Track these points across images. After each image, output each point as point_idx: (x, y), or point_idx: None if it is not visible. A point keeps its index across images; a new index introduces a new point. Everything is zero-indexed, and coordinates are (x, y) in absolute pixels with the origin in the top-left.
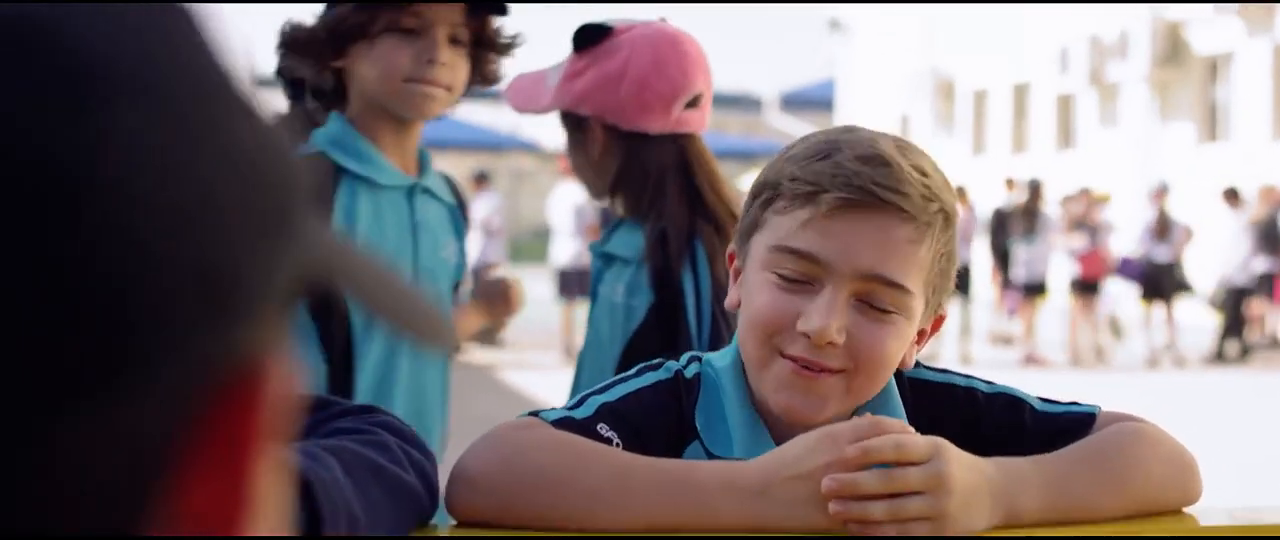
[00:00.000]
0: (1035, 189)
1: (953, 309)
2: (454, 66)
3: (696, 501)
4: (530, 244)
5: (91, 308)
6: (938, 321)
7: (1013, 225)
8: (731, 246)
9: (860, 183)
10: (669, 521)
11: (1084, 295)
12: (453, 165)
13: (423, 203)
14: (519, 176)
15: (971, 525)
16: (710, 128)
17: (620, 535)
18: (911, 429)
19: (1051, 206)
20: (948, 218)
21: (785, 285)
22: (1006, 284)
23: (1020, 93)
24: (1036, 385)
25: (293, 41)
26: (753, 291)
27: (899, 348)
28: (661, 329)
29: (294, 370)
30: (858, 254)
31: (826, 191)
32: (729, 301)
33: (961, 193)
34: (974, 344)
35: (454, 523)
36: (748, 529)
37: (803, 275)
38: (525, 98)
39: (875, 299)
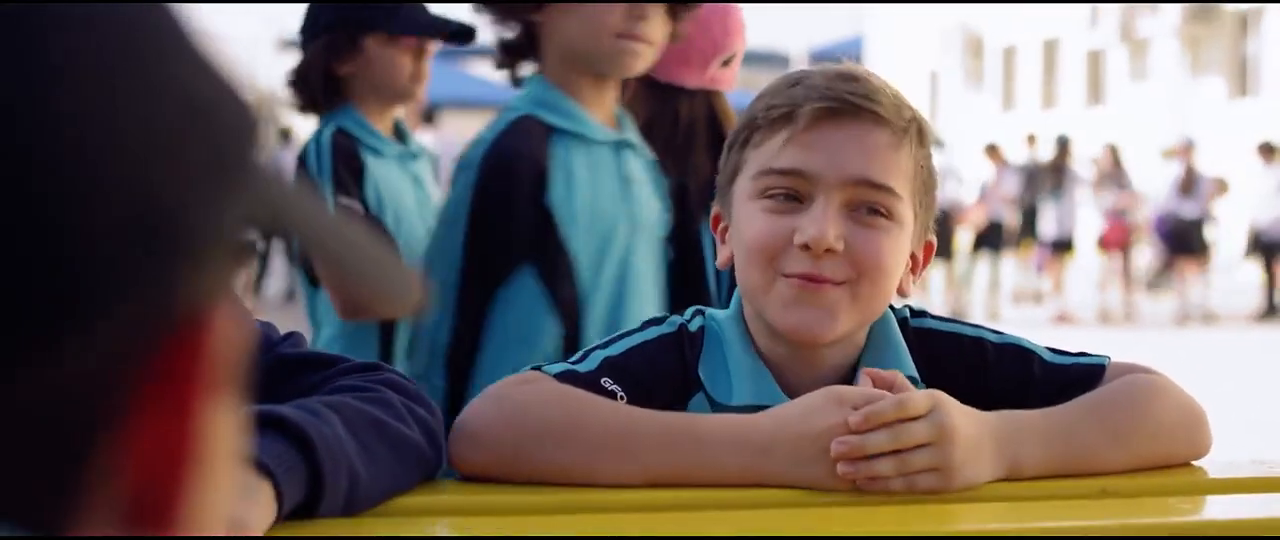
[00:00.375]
0: (1063, 145)
1: (981, 265)
2: (657, 22)
3: (700, 455)
4: None
5: (32, 244)
6: (928, 248)
7: (1041, 182)
8: (714, 207)
9: (834, 93)
10: (673, 475)
11: (1113, 252)
12: (451, 125)
13: (628, 157)
14: None
15: (976, 477)
16: (740, 85)
17: (623, 487)
18: (910, 385)
19: (1080, 163)
20: (922, 131)
21: (776, 207)
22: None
23: (1050, 48)
24: (1066, 343)
25: None
26: (744, 224)
27: (896, 255)
28: (680, 284)
29: (242, 318)
30: (842, 161)
31: (802, 106)
32: (720, 260)
33: (993, 150)
34: (1001, 302)
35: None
36: (751, 483)
37: (792, 190)
38: None
39: (866, 204)
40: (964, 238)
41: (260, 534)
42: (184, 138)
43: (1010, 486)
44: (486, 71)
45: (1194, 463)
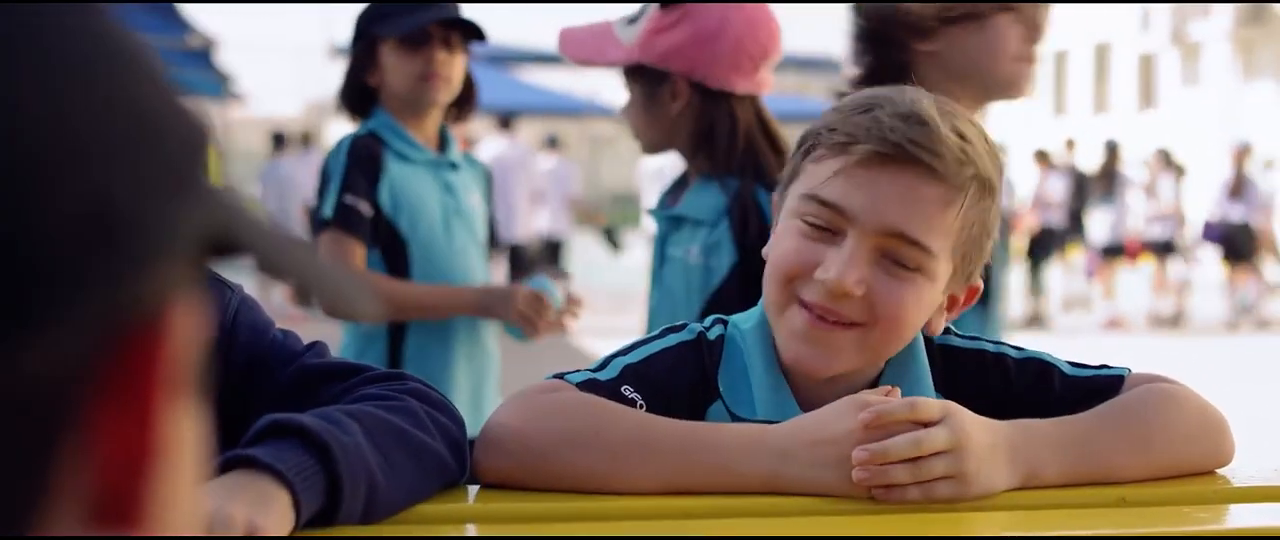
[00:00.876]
0: (1112, 150)
1: (1034, 272)
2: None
3: (719, 462)
4: (612, 212)
5: None
6: (971, 292)
7: (1091, 187)
8: (774, 195)
9: (894, 138)
10: (691, 482)
11: (1163, 257)
12: (526, 131)
13: None
14: (597, 142)
15: (991, 485)
16: (793, 90)
17: (643, 494)
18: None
19: (1131, 167)
20: (984, 186)
21: (810, 233)
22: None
23: (1101, 52)
24: (1116, 349)
25: (886, 23)
26: (779, 237)
27: (918, 308)
28: (745, 288)
29: (198, 323)
30: (883, 209)
31: (860, 143)
32: (766, 250)
33: (1042, 156)
34: (1052, 308)
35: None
36: (768, 490)
37: (827, 224)
38: (589, 50)
39: (897, 255)
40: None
41: None
42: (136, 148)
43: (1025, 495)
44: (540, 76)
45: (1218, 472)
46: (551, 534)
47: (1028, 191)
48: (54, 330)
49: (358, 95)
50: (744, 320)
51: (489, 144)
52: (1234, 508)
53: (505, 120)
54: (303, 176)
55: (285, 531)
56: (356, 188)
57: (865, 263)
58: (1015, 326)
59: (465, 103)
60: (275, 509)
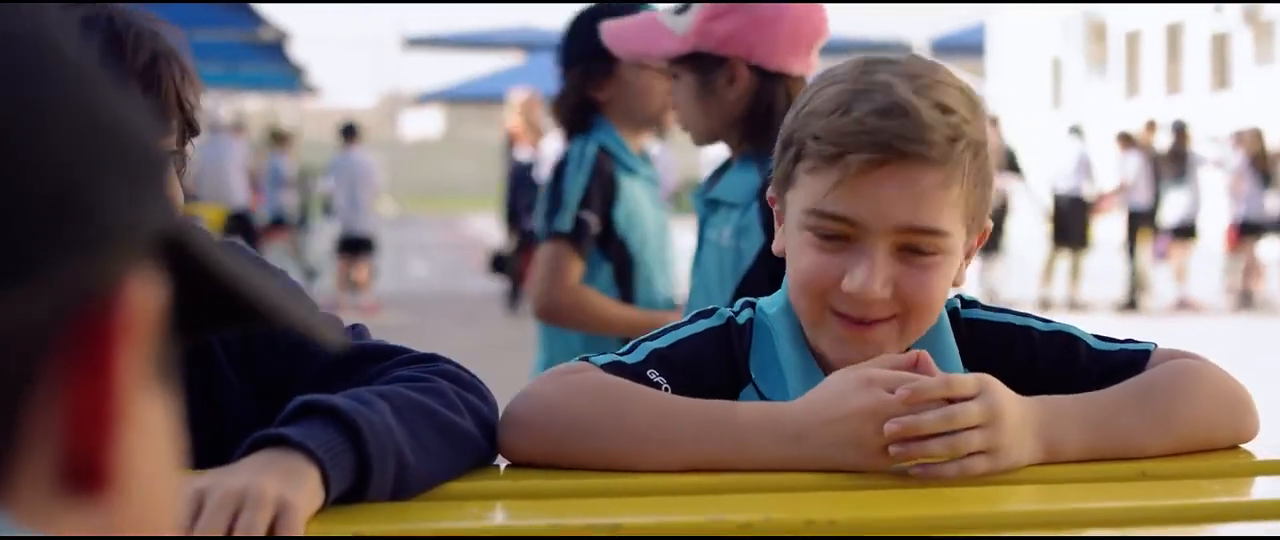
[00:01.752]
0: (1180, 131)
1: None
2: None
3: (737, 442)
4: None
5: None
6: (982, 235)
7: (1162, 169)
8: (769, 191)
9: (883, 140)
10: (711, 461)
11: (1236, 238)
12: None
13: None
14: (668, 131)
15: (1018, 459)
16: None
17: (665, 473)
18: (935, 366)
19: (1201, 146)
20: (978, 148)
21: (825, 244)
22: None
23: (1174, 33)
24: (1185, 331)
25: None
26: (795, 253)
27: (944, 284)
28: (773, 270)
29: (156, 309)
30: (890, 210)
31: (850, 152)
32: (775, 247)
33: (1126, 138)
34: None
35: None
36: (787, 468)
37: (838, 233)
38: (639, 43)
39: (915, 246)
40: (1107, 229)
41: (307, 517)
42: (94, 146)
43: (1045, 469)
44: None
45: (1242, 447)
46: (577, 510)
47: (1107, 175)
48: (17, 296)
49: (580, 108)
50: (770, 304)
51: (555, 139)
52: (1255, 481)
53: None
54: (371, 168)
55: (315, 507)
56: (593, 204)
57: (886, 263)
58: (1112, 311)
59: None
60: (306, 485)
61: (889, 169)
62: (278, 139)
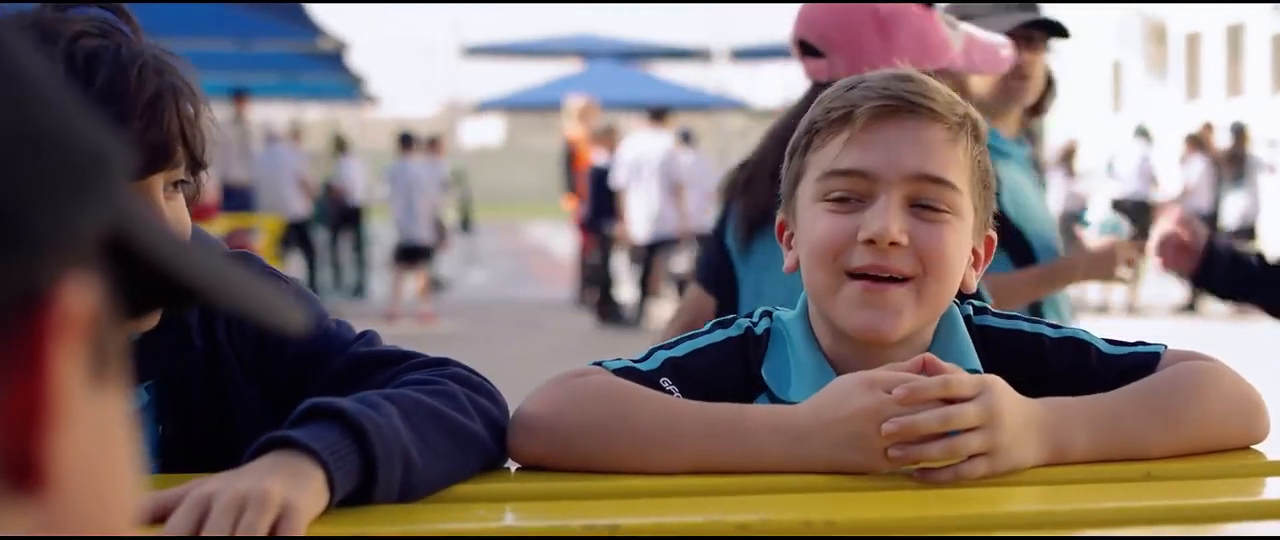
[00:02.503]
0: (1239, 133)
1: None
2: None
3: (742, 444)
4: None
5: None
6: (989, 243)
7: (1221, 171)
8: (779, 214)
9: (891, 92)
10: (717, 463)
11: None
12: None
13: None
14: (728, 136)
15: (1021, 461)
16: None
17: (672, 476)
18: (958, 368)
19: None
20: (976, 128)
21: (839, 207)
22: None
23: (1234, 34)
24: (1247, 334)
25: None
26: (808, 227)
27: (959, 249)
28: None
29: (95, 310)
30: (901, 157)
31: (859, 107)
32: (787, 265)
33: (1194, 140)
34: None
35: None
36: (792, 470)
37: (854, 192)
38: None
39: (927, 199)
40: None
41: (310, 518)
42: (25, 159)
43: (1049, 470)
44: (670, 72)
45: (1253, 448)
46: (577, 512)
47: (1169, 178)
48: None
49: None
50: (787, 312)
51: (635, 139)
52: (1261, 481)
53: (658, 114)
54: (428, 178)
55: (319, 508)
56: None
57: (901, 213)
58: (1171, 313)
59: (1043, 101)
60: (310, 487)
61: (898, 119)
62: (340, 147)
